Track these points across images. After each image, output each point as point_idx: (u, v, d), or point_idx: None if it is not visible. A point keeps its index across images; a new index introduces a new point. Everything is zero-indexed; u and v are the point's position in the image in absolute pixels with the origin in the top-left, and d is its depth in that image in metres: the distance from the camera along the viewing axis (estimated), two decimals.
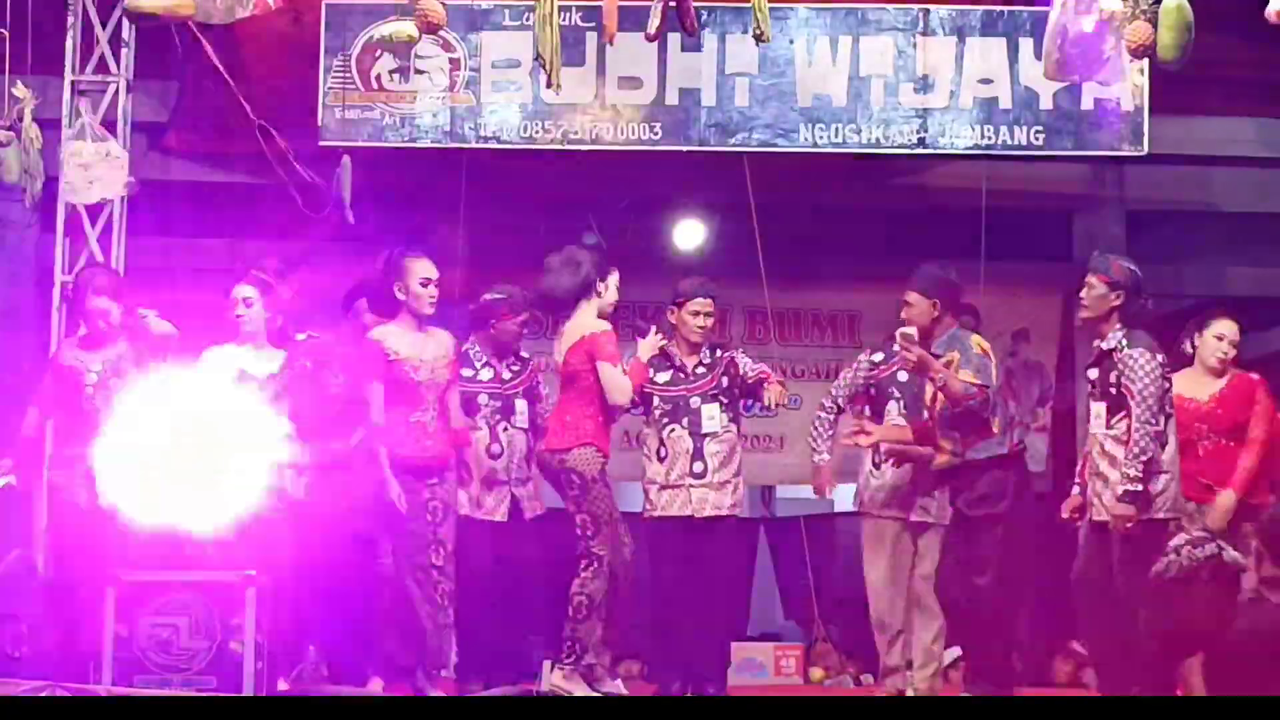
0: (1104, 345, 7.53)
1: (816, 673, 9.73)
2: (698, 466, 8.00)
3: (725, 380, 8.10)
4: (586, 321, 7.74)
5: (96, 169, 9.21)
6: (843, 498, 9.73)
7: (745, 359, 8.26)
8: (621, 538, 8.04)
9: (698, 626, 8.05)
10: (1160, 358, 7.53)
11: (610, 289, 7.90)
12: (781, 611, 13.33)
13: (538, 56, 7.85)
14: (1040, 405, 11.94)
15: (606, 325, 7.78)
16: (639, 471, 8.32)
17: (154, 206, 10.14)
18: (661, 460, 8.06)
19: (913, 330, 7.66)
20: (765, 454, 11.17)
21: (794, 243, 13.28)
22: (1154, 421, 7.37)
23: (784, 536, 12.79)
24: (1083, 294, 7.60)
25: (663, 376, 8.12)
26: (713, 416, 8.04)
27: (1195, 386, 8.14)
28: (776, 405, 8.15)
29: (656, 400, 8.08)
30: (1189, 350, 8.16)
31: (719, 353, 8.21)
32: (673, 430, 8.04)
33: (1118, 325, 7.52)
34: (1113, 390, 7.44)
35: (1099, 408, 7.49)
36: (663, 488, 8.06)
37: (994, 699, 7.86)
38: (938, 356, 7.63)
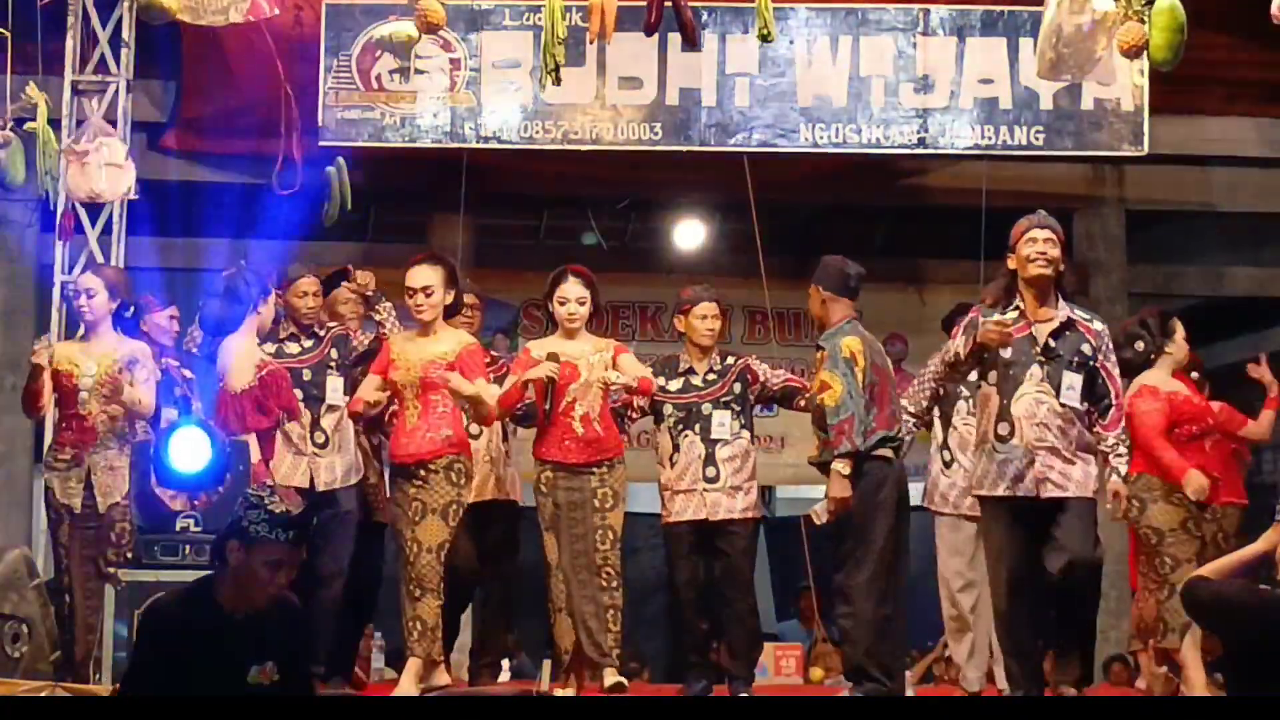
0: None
1: (816, 673, 9.70)
2: (710, 472, 8.00)
3: (739, 387, 8.09)
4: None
5: (100, 170, 9.21)
6: None
7: (763, 366, 8.24)
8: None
9: (719, 628, 8.09)
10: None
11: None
12: (781, 612, 13.34)
13: (543, 61, 7.85)
14: None
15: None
16: (653, 473, 8.31)
17: (154, 206, 10.15)
18: (674, 466, 8.07)
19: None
20: (765, 454, 11.14)
21: (794, 243, 13.33)
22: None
23: (783, 536, 12.78)
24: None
25: (674, 384, 8.11)
26: (723, 423, 8.03)
27: (1176, 385, 8.19)
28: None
29: (669, 407, 8.07)
30: (1145, 351, 8.14)
31: (730, 360, 8.20)
32: (685, 436, 8.04)
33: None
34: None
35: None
36: (676, 493, 8.07)
37: (994, 699, 7.86)
38: (821, 349, 7.75)
